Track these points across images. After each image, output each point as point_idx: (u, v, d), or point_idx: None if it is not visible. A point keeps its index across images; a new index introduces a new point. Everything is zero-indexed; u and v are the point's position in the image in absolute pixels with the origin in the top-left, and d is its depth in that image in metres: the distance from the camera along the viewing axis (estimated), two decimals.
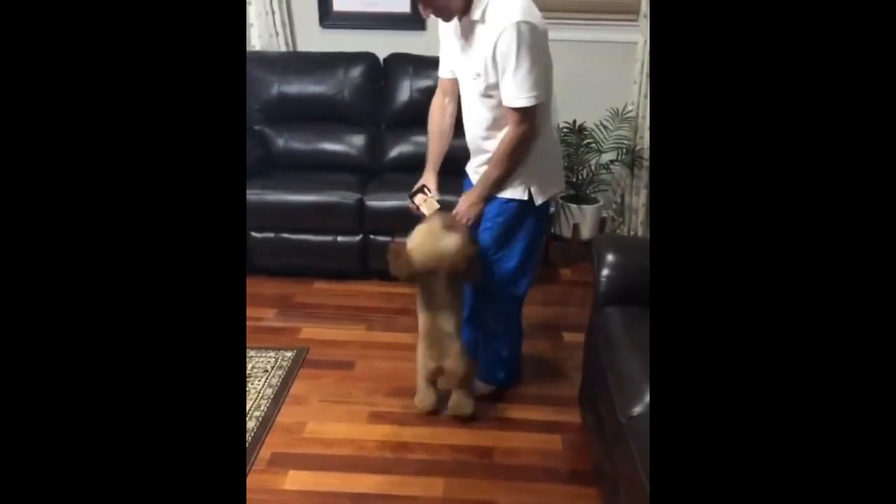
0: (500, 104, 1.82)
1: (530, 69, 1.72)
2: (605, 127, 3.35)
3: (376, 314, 2.83)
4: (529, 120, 1.80)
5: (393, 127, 3.37)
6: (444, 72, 2.05)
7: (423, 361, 2.08)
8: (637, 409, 1.48)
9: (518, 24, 1.67)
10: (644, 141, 3.44)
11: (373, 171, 3.31)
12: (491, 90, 1.82)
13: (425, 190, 2.12)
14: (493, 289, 2.08)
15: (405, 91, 3.30)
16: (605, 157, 3.37)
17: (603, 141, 3.34)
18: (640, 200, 3.54)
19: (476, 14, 1.75)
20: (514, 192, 1.95)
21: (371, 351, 2.55)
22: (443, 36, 1.96)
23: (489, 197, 1.96)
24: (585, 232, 3.32)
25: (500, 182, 1.92)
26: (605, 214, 3.44)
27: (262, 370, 2.37)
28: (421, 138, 3.32)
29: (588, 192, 3.36)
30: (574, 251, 3.35)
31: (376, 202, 2.99)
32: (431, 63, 3.27)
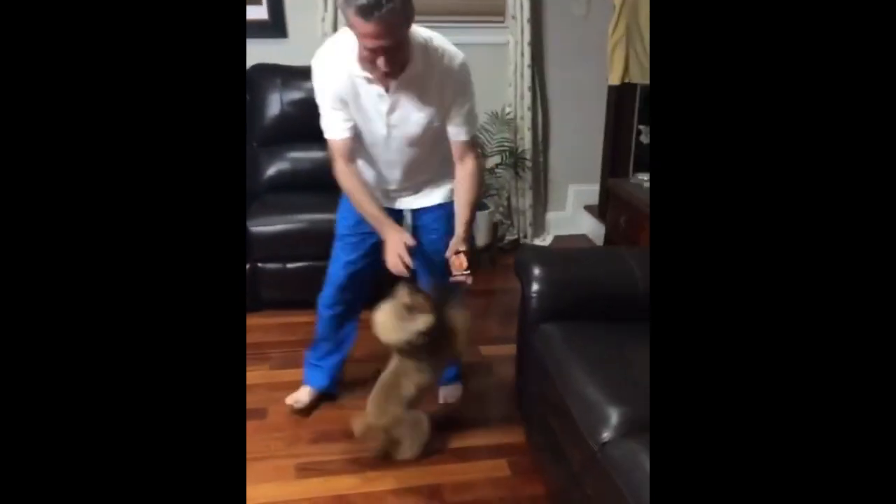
0: (438, 141, 1.84)
1: (474, 103, 1.83)
2: (486, 130, 3.32)
3: (277, 350, 2.60)
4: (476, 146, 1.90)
5: (265, 144, 3.13)
6: (341, 133, 1.81)
7: (381, 396, 1.92)
8: (607, 435, 1.44)
9: (464, 64, 1.76)
10: (525, 142, 3.46)
11: (250, 193, 3.05)
12: (437, 131, 1.81)
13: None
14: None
15: (275, 104, 3.08)
16: (490, 161, 3.35)
17: (487, 144, 3.31)
18: (526, 202, 3.57)
19: (419, 66, 1.67)
20: (445, 195, 1.99)
21: (281, 393, 2.31)
22: (335, 100, 1.75)
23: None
24: (480, 239, 3.28)
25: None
26: (495, 219, 3.42)
27: None
28: (298, 154, 3.12)
29: None
30: (471, 259, 3.30)
31: (262, 227, 2.74)
32: (300, 73, 3.09)
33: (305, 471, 1.97)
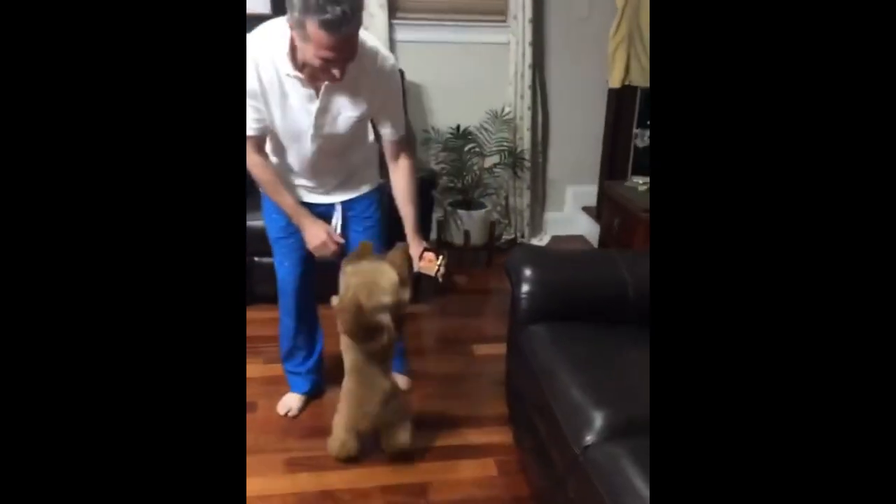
0: (363, 135, 1.93)
1: (402, 102, 1.92)
2: (486, 130, 3.33)
3: (270, 344, 2.59)
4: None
5: None
6: (256, 130, 1.76)
7: (354, 406, 1.91)
8: (590, 438, 1.45)
9: (394, 65, 1.79)
10: (524, 142, 3.46)
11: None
12: (363, 126, 1.88)
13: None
14: None
15: None
16: (489, 161, 3.36)
17: (485, 144, 3.31)
18: (524, 202, 3.58)
19: (354, 68, 1.64)
20: (373, 182, 2.05)
21: (272, 388, 2.33)
22: (251, 93, 1.69)
23: None
24: (476, 238, 3.29)
25: None
26: (492, 218, 3.43)
27: None
28: None
29: (475, 196, 3.33)
30: (467, 258, 3.31)
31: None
32: None
33: (294, 465, 1.98)
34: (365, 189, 2.02)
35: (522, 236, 3.66)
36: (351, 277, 1.77)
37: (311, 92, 1.70)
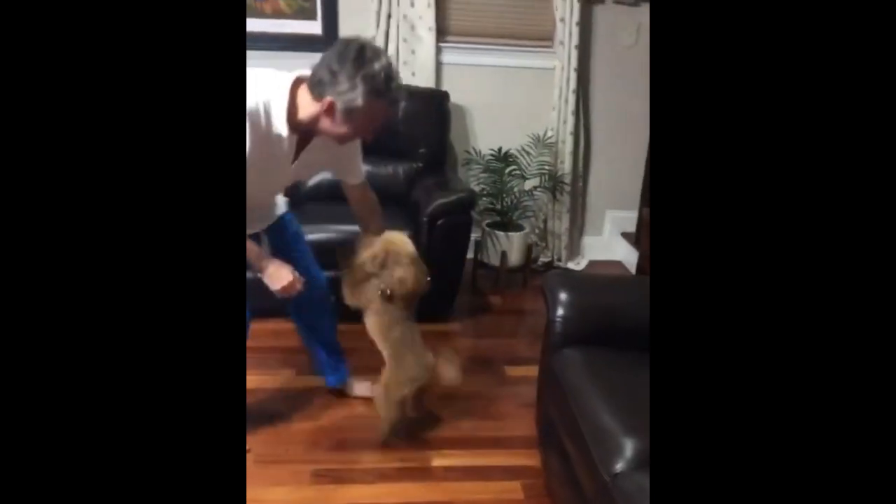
0: None
1: None
2: (527, 153, 3.34)
3: (302, 355, 2.63)
4: None
5: None
6: None
7: (397, 368, 2.03)
8: (619, 466, 1.43)
9: None
10: (565, 166, 3.46)
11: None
12: None
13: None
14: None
15: None
16: (529, 184, 3.36)
17: (527, 167, 3.32)
18: (562, 225, 3.56)
19: None
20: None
21: (303, 399, 2.36)
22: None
23: None
24: (513, 259, 3.28)
25: None
26: (530, 241, 3.42)
27: None
28: None
29: (514, 218, 3.33)
30: (503, 279, 3.31)
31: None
32: None
33: (320, 477, 1.99)
34: (283, 209, 2.12)
35: (559, 260, 3.64)
36: (385, 242, 1.98)
37: (292, 151, 1.73)
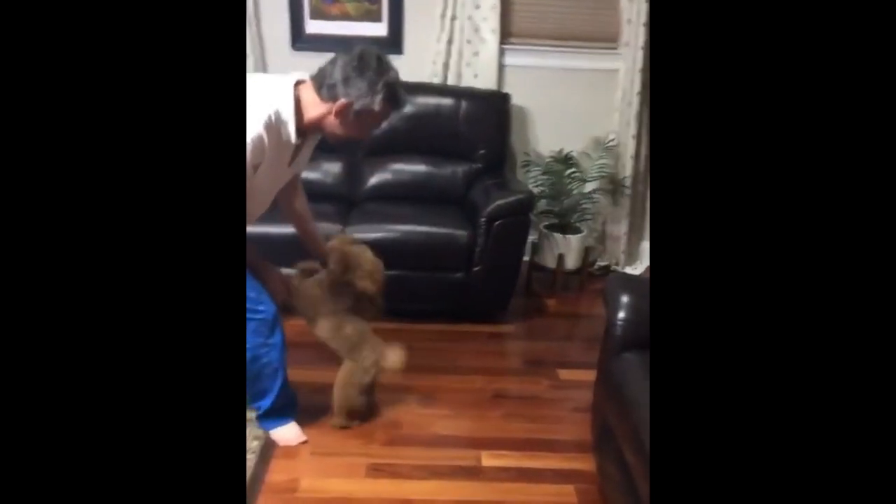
0: None
1: None
2: (588, 155, 3.31)
3: None
4: None
5: (371, 154, 3.25)
6: None
7: (366, 368, 2.14)
8: None
9: None
10: (626, 170, 3.42)
11: (351, 200, 3.18)
12: None
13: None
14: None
15: None
16: (589, 186, 3.33)
17: (587, 170, 3.29)
18: (621, 229, 3.52)
19: None
20: None
21: None
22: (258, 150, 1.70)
23: None
24: (570, 262, 3.26)
25: None
26: (588, 244, 3.39)
27: None
28: (400, 166, 3.23)
29: (572, 221, 3.31)
30: (559, 281, 3.29)
31: (360, 234, 2.84)
32: (410, 88, 3.19)
33: (376, 471, 2.02)
34: None
35: (617, 264, 3.59)
36: (339, 246, 2.09)
37: (292, 152, 1.82)
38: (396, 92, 1.73)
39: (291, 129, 1.71)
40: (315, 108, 1.73)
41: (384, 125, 3.00)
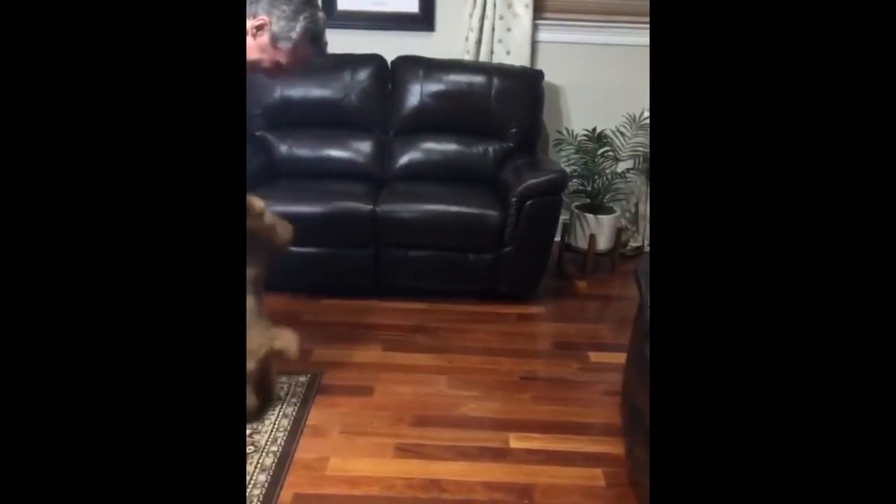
0: None
1: None
2: (622, 134, 3.24)
3: (392, 333, 2.70)
4: None
5: (402, 133, 3.23)
6: None
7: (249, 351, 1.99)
8: None
9: None
10: None
11: (381, 179, 3.17)
12: None
13: None
14: None
15: (415, 95, 3.16)
16: (622, 166, 3.27)
17: (620, 149, 3.23)
18: None
19: None
20: None
21: (389, 374, 2.41)
22: None
23: None
24: (602, 243, 3.21)
25: None
26: (620, 224, 3.34)
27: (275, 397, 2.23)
28: (431, 145, 3.20)
29: (605, 201, 3.25)
30: (590, 262, 3.25)
31: (390, 213, 2.83)
32: (442, 66, 3.17)
33: (404, 451, 2.03)
34: None
35: (650, 245, 3.53)
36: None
37: None
38: (318, 32, 1.70)
39: None
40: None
41: (413, 101, 3.08)
